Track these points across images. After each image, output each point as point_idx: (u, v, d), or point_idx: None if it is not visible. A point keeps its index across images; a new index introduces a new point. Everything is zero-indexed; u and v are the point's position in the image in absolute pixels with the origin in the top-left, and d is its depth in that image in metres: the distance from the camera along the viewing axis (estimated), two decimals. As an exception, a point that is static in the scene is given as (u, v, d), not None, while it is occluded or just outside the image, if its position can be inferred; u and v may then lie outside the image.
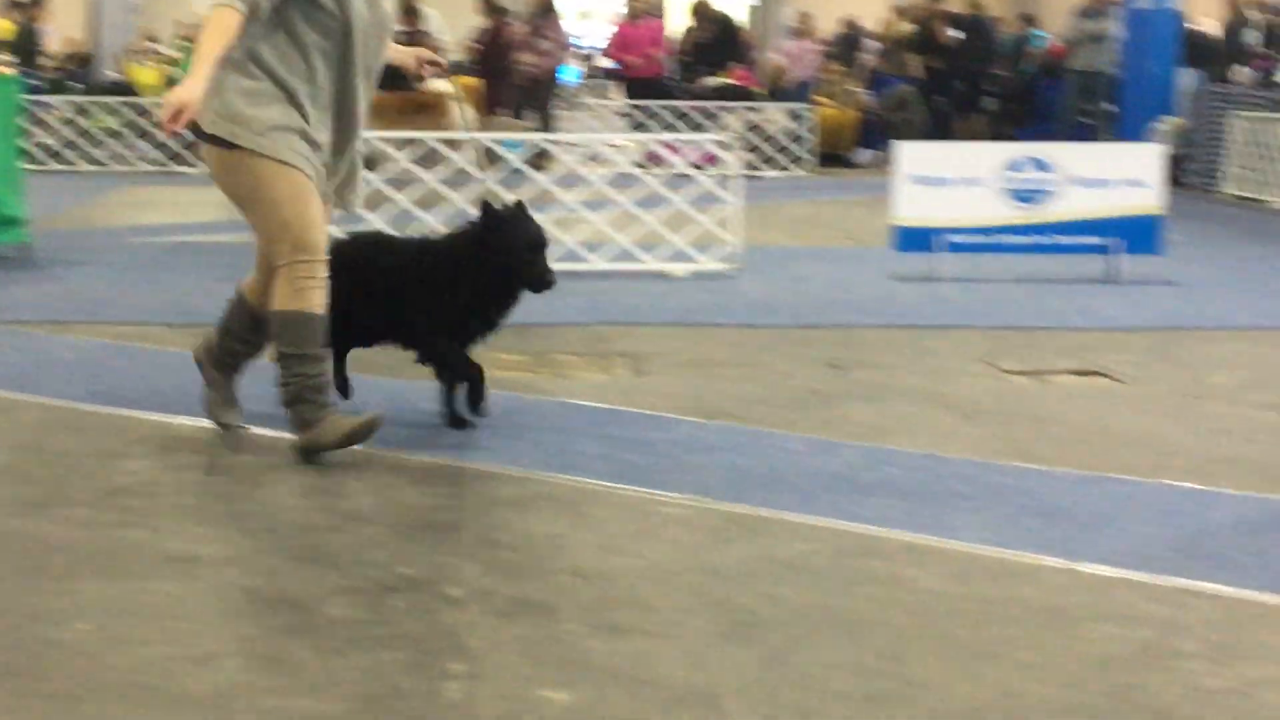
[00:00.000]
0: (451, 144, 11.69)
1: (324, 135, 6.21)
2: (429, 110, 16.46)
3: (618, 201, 11.52)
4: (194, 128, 6.00)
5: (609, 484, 5.86)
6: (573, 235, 11.16)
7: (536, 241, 6.53)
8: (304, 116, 6.13)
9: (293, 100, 6.12)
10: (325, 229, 6.22)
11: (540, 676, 4.07)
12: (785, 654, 4.25)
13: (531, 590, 4.73)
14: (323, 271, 6.13)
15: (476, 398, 6.66)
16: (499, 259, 6.47)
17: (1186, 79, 20.24)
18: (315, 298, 6.10)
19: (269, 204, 6.08)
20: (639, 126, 20.43)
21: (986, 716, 3.89)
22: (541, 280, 6.51)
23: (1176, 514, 5.61)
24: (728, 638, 4.36)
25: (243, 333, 6.55)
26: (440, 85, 14.82)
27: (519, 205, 6.66)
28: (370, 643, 4.27)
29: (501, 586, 4.75)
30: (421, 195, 11.24)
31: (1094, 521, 5.48)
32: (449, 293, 6.53)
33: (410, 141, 11.63)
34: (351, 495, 5.73)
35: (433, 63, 6.87)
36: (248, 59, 6.11)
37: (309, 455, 6.12)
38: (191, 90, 5.73)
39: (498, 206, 6.63)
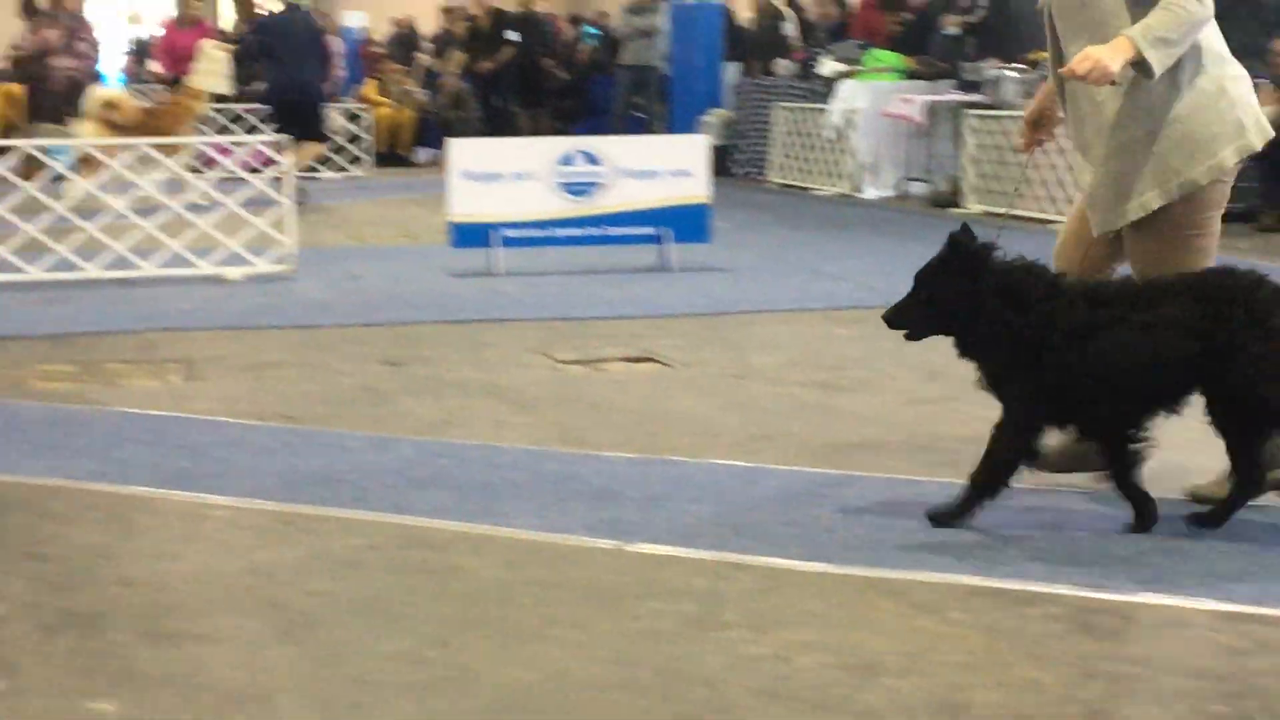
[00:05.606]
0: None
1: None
2: None
3: (169, 206, 11.30)
4: None
5: (158, 490, 5.77)
6: (123, 241, 10.90)
7: None
8: None
9: None
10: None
11: (88, 687, 4.00)
12: (338, 650, 4.26)
13: (78, 602, 4.63)
14: None
15: None
16: None
17: (730, 72, 20.85)
18: None
19: None
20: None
21: (537, 696, 3.97)
22: None
23: (721, 491, 5.80)
24: (280, 637, 4.35)
25: None
26: None
27: None
28: (-95, 666, 4.12)
29: (47, 599, 4.64)
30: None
31: (644, 502, 5.63)
32: None
33: None
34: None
35: None
36: None
37: None
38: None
39: None
